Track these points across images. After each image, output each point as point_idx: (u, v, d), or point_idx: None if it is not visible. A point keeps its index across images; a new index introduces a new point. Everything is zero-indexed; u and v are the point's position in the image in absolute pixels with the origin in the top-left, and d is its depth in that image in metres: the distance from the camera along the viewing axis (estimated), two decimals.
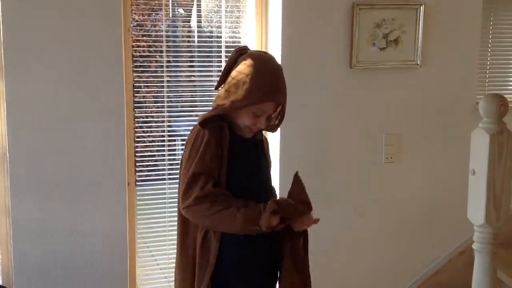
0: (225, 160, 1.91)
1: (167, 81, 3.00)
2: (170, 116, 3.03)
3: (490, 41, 3.50)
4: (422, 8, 3.11)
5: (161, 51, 2.98)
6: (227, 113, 1.93)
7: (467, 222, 1.80)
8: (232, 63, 2.00)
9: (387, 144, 3.20)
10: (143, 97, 3.01)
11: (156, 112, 3.02)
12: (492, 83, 3.55)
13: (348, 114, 3.14)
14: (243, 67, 1.92)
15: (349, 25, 3.03)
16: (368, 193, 3.22)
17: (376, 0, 3.05)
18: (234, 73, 1.95)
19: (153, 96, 3.04)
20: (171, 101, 3.03)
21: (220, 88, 2.04)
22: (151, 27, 2.98)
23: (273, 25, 3.03)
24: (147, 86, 3.01)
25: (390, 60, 3.13)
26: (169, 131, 3.02)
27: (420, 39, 3.13)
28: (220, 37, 3.10)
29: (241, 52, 2.00)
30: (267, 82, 1.90)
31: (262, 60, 1.97)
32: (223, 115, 1.95)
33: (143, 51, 2.95)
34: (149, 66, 2.99)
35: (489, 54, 3.51)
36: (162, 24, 3.00)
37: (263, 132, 2.14)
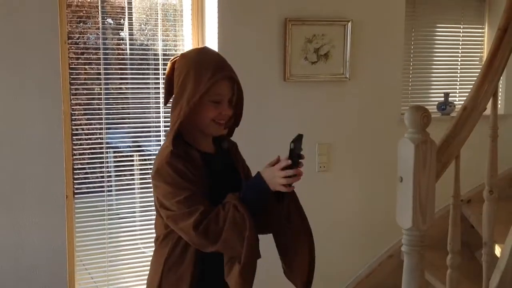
0: (203, 176, 1.80)
1: (105, 89, 3.00)
2: (108, 126, 3.03)
3: (412, 55, 3.71)
4: (349, 24, 3.27)
5: (98, 60, 2.98)
6: (186, 118, 1.79)
7: (396, 227, 1.92)
8: (170, 73, 1.91)
9: (320, 153, 3.34)
10: (79, 107, 2.99)
11: (93, 122, 3.01)
12: (414, 95, 3.76)
13: (283, 125, 3.24)
14: (181, 67, 1.84)
15: (282, 40, 3.15)
16: (303, 200, 3.32)
17: (307, 17, 3.19)
18: (175, 78, 1.86)
19: (89, 105, 3.03)
20: (108, 111, 3.03)
21: (169, 104, 1.95)
22: (80, 36, 2.98)
23: (209, 39, 3.11)
24: (83, 96, 3.00)
25: (321, 74, 3.27)
26: (107, 142, 3.03)
27: (348, 54, 3.29)
28: (156, 47, 3.15)
29: (174, 60, 1.91)
30: (211, 63, 1.83)
31: (197, 51, 1.96)
32: (184, 131, 1.85)
33: (77, 59, 2.93)
34: (85, 76, 2.98)
35: (411, 68, 3.72)
36: (91, 34, 3.00)
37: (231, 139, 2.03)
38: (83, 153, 3.00)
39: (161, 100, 3.15)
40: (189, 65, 1.82)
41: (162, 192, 1.78)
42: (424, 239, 1.78)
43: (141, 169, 3.19)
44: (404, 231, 1.76)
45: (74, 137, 2.92)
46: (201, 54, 1.88)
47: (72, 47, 2.91)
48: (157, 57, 3.14)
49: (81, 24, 3.00)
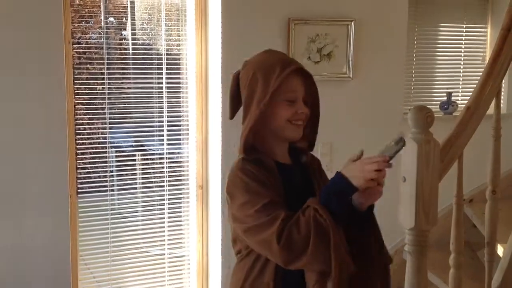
0: (281, 186, 1.61)
1: (108, 89, 3.01)
2: (111, 125, 3.04)
3: (415, 55, 3.71)
4: (352, 24, 3.28)
5: (101, 59, 2.99)
6: (258, 124, 1.62)
7: (399, 226, 1.92)
8: (234, 87, 1.73)
9: (323, 153, 3.34)
10: (82, 107, 3.01)
11: (96, 121, 3.02)
12: (417, 94, 3.76)
13: None
14: (246, 73, 1.67)
15: (285, 40, 3.16)
16: None
17: (310, 16, 3.19)
18: (242, 90, 1.68)
19: (93, 105, 3.04)
20: (111, 110, 3.04)
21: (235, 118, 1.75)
22: (81, 35, 2.99)
23: (213, 39, 3.11)
24: (86, 95, 3.01)
25: (324, 73, 3.27)
26: (110, 141, 3.04)
27: (351, 53, 3.30)
28: (159, 46, 3.16)
29: (237, 73, 1.73)
30: (278, 60, 1.66)
31: (260, 54, 1.74)
32: (257, 141, 1.66)
33: (79, 59, 2.94)
34: (87, 75, 3.00)
35: (414, 67, 3.73)
36: (94, 33, 3.01)
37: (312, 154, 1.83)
38: (86, 152, 3.01)
39: (165, 99, 3.16)
40: (254, 68, 1.66)
41: (238, 203, 1.57)
42: (427, 239, 1.78)
43: (143, 169, 3.20)
44: (407, 231, 1.76)
45: (77, 136, 2.93)
46: (265, 54, 1.72)
47: (75, 46, 2.92)
48: (160, 56, 3.15)
49: (84, 23, 3.01)
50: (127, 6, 3.12)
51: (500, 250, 2.42)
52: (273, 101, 1.62)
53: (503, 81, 2.17)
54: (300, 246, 1.46)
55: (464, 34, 3.85)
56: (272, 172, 1.62)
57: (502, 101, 2.69)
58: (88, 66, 3.01)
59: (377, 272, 1.65)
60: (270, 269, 1.58)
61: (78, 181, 2.94)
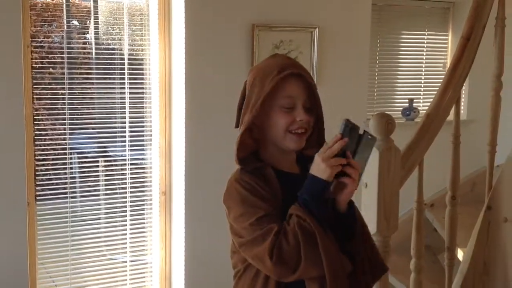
0: (279, 197, 1.51)
1: (69, 93, 2.96)
2: (71, 130, 2.99)
3: (377, 62, 3.76)
4: (316, 30, 3.30)
5: (62, 63, 2.94)
6: (253, 129, 1.56)
7: None
8: (242, 94, 1.63)
9: None
10: (43, 112, 2.95)
11: (57, 126, 2.97)
12: (380, 100, 3.81)
13: None
14: (249, 80, 1.59)
15: (249, 46, 3.16)
16: None
17: (274, 23, 3.20)
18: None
19: (51, 110, 2.98)
20: (72, 115, 2.99)
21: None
22: (44, 38, 2.93)
23: (177, 44, 3.09)
24: (47, 100, 2.95)
25: None
26: (71, 146, 2.98)
27: (315, 60, 3.32)
28: (122, 51, 3.12)
29: (245, 81, 1.62)
30: (277, 63, 1.54)
31: (267, 58, 1.63)
32: (261, 149, 1.59)
33: (35, 63, 2.88)
34: (49, 79, 2.94)
35: (376, 74, 3.77)
36: (55, 36, 2.96)
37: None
38: (47, 158, 2.95)
39: (127, 103, 3.12)
40: (255, 73, 1.57)
41: (234, 215, 1.50)
42: (388, 244, 1.80)
43: (105, 174, 3.15)
44: None
45: (37, 142, 2.87)
46: (270, 59, 1.60)
47: (37, 50, 2.86)
48: (123, 61, 3.11)
49: (46, 26, 2.95)
50: (91, 10, 3.08)
51: (460, 254, 2.46)
52: (270, 109, 1.53)
53: (463, 88, 2.21)
54: (293, 257, 1.41)
55: (425, 41, 3.92)
56: (271, 183, 1.53)
57: (462, 108, 2.75)
58: (50, 70, 2.95)
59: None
60: (271, 285, 1.50)
61: (38, 187, 2.88)
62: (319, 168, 1.42)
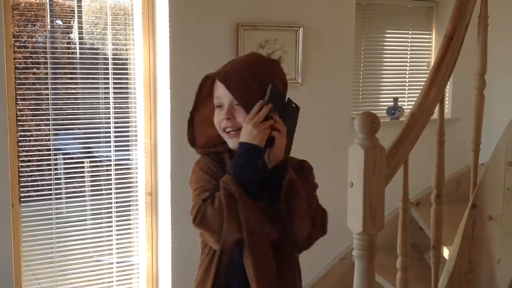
0: None
1: (53, 93, 2.93)
2: (55, 131, 2.96)
3: (362, 61, 3.77)
4: (301, 30, 3.30)
5: (39, 63, 2.91)
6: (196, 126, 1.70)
7: (348, 230, 1.94)
8: None
9: None
10: (27, 112, 2.92)
11: (41, 127, 2.94)
12: (365, 99, 3.82)
13: None
14: None
15: (234, 45, 3.15)
16: None
17: (259, 22, 3.20)
18: None
19: (35, 110, 2.95)
20: (56, 116, 2.96)
21: None
22: (27, 38, 2.91)
23: (161, 44, 3.08)
24: (31, 101, 2.92)
25: None
26: (55, 147, 2.96)
27: (300, 59, 3.32)
28: (106, 51, 3.10)
29: None
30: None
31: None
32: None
33: (19, 63, 2.86)
34: (32, 80, 2.91)
35: (361, 73, 3.78)
36: (39, 36, 2.94)
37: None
38: (31, 159, 2.92)
39: (112, 103, 3.10)
40: None
41: (192, 192, 1.61)
42: (374, 243, 1.80)
43: (91, 175, 3.13)
44: (355, 235, 1.77)
45: (20, 143, 2.84)
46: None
47: (20, 50, 2.83)
48: (107, 60, 3.09)
49: (30, 26, 2.92)
50: (74, 9, 3.05)
51: (446, 252, 2.47)
52: (198, 101, 1.67)
53: (447, 86, 2.22)
54: (215, 220, 1.50)
55: (409, 40, 3.94)
56: (225, 166, 1.63)
57: (446, 107, 2.76)
58: (34, 70, 2.92)
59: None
60: (216, 258, 1.62)
61: (22, 189, 2.85)
62: (251, 134, 1.53)
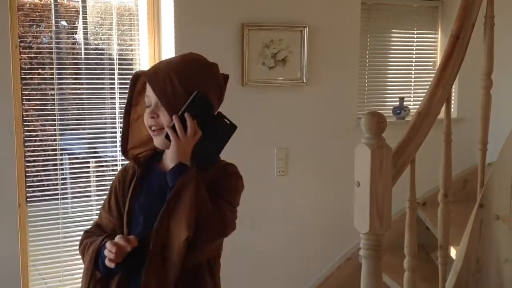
0: (127, 195, 1.67)
1: (58, 94, 2.94)
2: (61, 131, 2.97)
3: (367, 60, 3.76)
4: (306, 30, 3.29)
5: (44, 64, 2.92)
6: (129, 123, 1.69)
7: (354, 230, 1.94)
8: None
9: (279, 158, 3.35)
10: (33, 113, 2.92)
11: (47, 127, 2.94)
12: (370, 99, 3.81)
13: (242, 130, 3.21)
14: None
15: (239, 45, 3.15)
16: (263, 205, 3.34)
17: (264, 22, 3.20)
18: None
19: (41, 111, 2.96)
20: (62, 116, 2.97)
21: None
22: (32, 39, 2.91)
23: (166, 44, 3.08)
24: (37, 101, 2.93)
25: (278, 79, 3.28)
26: (61, 147, 2.96)
27: (305, 59, 3.31)
28: (111, 51, 3.10)
29: None
30: None
31: None
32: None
33: (24, 64, 2.86)
34: (38, 80, 2.92)
35: (367, 73, 3.77)
36: (44, 37, 2.94)
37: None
38: (37, 159, 2.93)
39: (117, 104, 3.11)
40: None
41: None
42: (381, 243, 1.79)
43: (97, 175, 3.13)
44: (362, 235, 1.77)
45: (27, 143, 2.85)
46: None
47: (25, 51, 2.84)
48: (112, 61, 3.09)
49: (35, 26, 2.93)
50: (79, 10, 3.06)
51: (453, 252, 2.47)
52: (131, 100, 1.68)
53: (454, 86, 2.21)
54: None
55: (415, 40, 3.93)
56: (126, 181, 1.69)
57: (452, 106, 2.75)
58: (39, 70, 2.93)
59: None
60: None
61: (29, 189, 2.86)
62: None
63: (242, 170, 3.20)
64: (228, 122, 1.66)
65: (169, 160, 1.57)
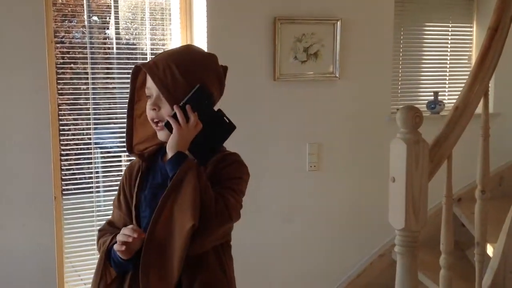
0: (134, 189, 1.68)
1: (92, 88, 2.97)
2: (96, 125, 3.00)
3: (401, 54, 3.71)
4: (339, 23, 3.26)
5: (84, 59, 2.95)
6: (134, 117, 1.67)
7: (387, 226, 1.91)
8: None
9: (311, 153, 3.32)
10: (65, 107, 2.96)
11: (80, 122, 2.98)
12: (404, 93, 3.76)
13: (274, 125, 3.23)
14: None
15: (271, 39, 3.13)
16: (295, 200, 3.32)
17: (296, 15, 3.17)
18: None
19: (76, 105, 2.99)
20: (96, 110, 3.00)
21: None
22: (65, 34, 2.95)
23: (198, 39, 3.08)
24: (69, 95, 2.97)
25: (310, 73, 3.26)
26: (95, 141, 3.00)
27: (338, 53, 3.28)
28: (143, 46, 3.12)
29: None
30: None
31: None
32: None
33: (63, 58, 2.90)
34: (70, 75, 2.96)
35: (400, 66, 3.72)
36: (77, 32, 2.98)
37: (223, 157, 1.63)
38: (71, 153, 2.97)
39: None
40: None
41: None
42: (417, 239, 1.77)
43: None
44: (397, 231, 1.75)
45: (61, 137, 2.89)
46: None
47: (58, 46, 2.88)
48: (145, 56, 3.11)
49: (67, 22, 2.96)
50: (111, 5, 3.08)
51: (489, 249, 2.42)
52: (133, 91, 1.65)
53: (491, 80, 2.16)
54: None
55: (450, 33, 3.85)
56: (132, 175, 1.70)
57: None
58: (72, 65, 2.97)
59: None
60: None
61: (63, 182, 2.90)
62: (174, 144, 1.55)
63: (274, 165, 3.22)
64: (228, 121, 1.61)
65: (168, 148, 1.53)
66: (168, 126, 1.53)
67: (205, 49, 2.99)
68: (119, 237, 1.53)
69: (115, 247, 1.55)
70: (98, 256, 1.68)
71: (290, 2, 3.17)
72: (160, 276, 1.50)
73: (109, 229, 1.72)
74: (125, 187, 1.71)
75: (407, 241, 1.71)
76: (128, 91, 1.67)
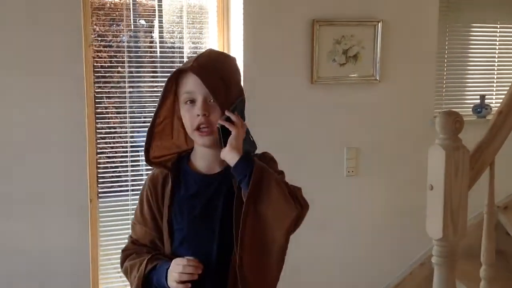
0: (164, 209, 1.59)
1: (130, 92, 2.99)
2: (132, 128, 3.01)
3: (446, 56, 3.59)
4: (380, 24, 3.18)
5: (123, 62, 2.97)
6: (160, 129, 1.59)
7: (427, 233, 1.84)
8: None
9: (349, 157, 3.25)
10: (105, 109, 2.98)
11: (119, 124, 3.00)
12: (449, 97, 3.64)
13: (311, 129, 3.17)
14: None
15: (309, 41, 3.08)
16: (332, 206, 3.26)
17: (335, 17, 3.11)
18: None
19: (115, 108, 3.01)
20: (133, 113, 3.01)
21: None
22: (112, 37, 2.97)
23: (235, 41, 3.06)
24: (109, 98, 2.99)
25: (349, 76, 3.18)
26: (131, 143, 3.01)
27: (378, 55, 3.20)
28: (183, 48, 3.12)
29: None
30: (184, 62, 1.66)
31: None
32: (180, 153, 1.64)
33: (104, 62, 2.94)
34: (111, 78, 2.98)
35: (445, 69, 3.60)
36: (123, 35, 3.00)
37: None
38: (107, 155, 2.99)
39: None
40: None
41: None
42: (456, 250, 1.69)
43: None
44: (435, 241, 1.68)
45: (98, 140, 2.91)
46: None
47: (105, 49, 2.91)
48: (183, 59, 3.10)
49: (114, 25, 2.99)
50: (155, 9, 3.09)
51: None
52: (180, 108, 1.55)
53: None
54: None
55: (498, 34, 3.71)
56: (156, 189, 1.61)
57: None
58: (119, 69, 2.99)
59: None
60: None
61: (99, 184, 2.92)
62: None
63: (311, 169, 3.16)
64: (251, 139, 1.58)
65: (228, 153, 1.48)
66: (223, 130, 1.48)
67: (242, 52, 2.98)
68: (181, 277, 1.46)
69: (173, 285, 1.48)
70: (127, 278, 1.62)
71: (328, 4, 3.11)
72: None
73: (135, 249, 1.63)
74: (150, 200, 1.61)
75: (445, 251, 1.65)
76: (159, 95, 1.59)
